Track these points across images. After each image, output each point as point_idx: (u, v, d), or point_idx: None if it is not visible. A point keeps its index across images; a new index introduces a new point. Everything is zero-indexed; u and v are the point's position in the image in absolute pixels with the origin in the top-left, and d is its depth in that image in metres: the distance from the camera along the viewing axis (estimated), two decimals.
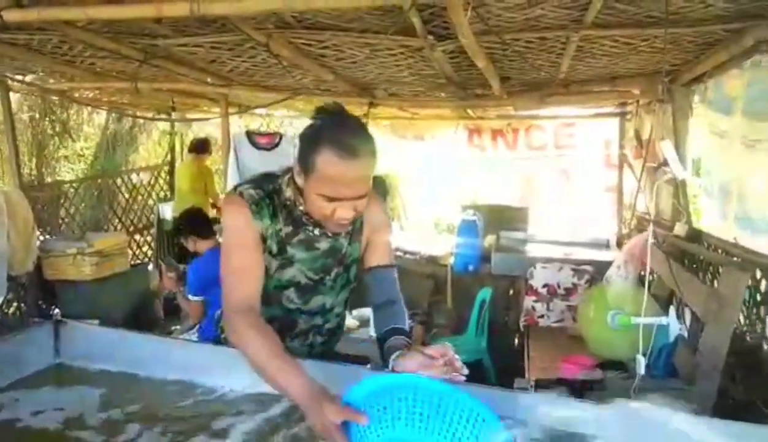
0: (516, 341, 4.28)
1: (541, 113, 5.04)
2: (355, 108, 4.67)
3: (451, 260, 4.51)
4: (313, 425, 1.06)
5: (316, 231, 1.43)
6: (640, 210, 3.68)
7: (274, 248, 1.41)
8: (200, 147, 5.54)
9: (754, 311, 2.32)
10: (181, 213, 3.51)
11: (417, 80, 3.47)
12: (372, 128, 5.34)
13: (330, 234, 1.44)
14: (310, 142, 1.27)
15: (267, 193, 1.41)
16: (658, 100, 3.19)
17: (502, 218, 4.98)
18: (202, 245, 3.25)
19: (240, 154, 4.13)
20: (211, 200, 5.47)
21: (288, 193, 1.41)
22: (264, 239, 1.40)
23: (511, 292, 4.38)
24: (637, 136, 3.68)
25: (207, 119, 5.18)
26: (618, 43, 2.46)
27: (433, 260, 4.65)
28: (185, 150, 6.09)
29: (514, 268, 4.29)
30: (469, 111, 4.81)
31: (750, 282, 2.30)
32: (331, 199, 1.27)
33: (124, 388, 1.44)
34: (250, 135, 4.18)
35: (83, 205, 5.68)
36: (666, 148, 2.46)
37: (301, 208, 1.40)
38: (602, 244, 4.62)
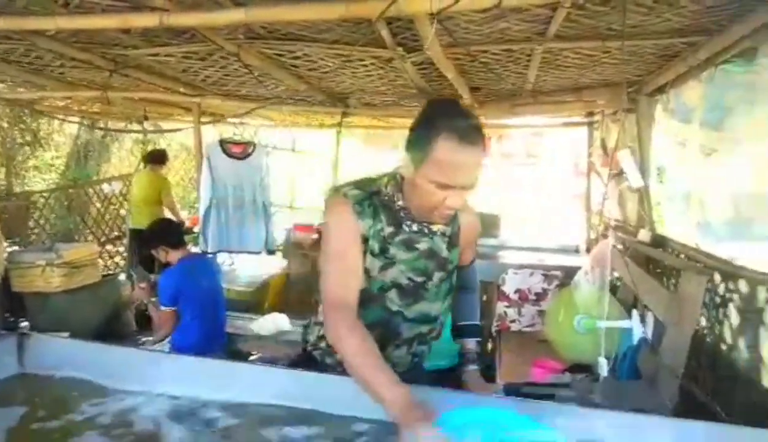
0: (490, 346, 4.33)
1: (512, 122, 5.13)
2: (328, 118, 4.72)
3: None
4: (404, 435, 1.06)
5: (415, 227, 1.43)
6: (608, 217, 3.77)
7: (377, 248, 1.42)
8: (156, 158, 5.53)
9: (714, 313, 2.40)
10: (151, 223, 3.48)
11: (390, 90, 3.52)
12: (346, 139, 5.37)
13: (427, 231, 1.45)
14: (427, 128, 1.28)
15: (369, 194, 1.43)
16: (623, 110, 3.29)
17: None
18: (173, 255, 3.23)
19: (213, 163, 4.12)
20: (166, 211, 5.40)
21: (388, 190, 1.43)
22: (366, 239, 1.40)
23: (485, 298, 4.43)
24: (603, 145, 3.78)
25: (179, 130, 5.15)
26: (581, 54, 2.53)
27: None
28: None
29: (487, 274, 4.33)
30: None
31: (709, 285, 2.39)
32: (445, 187, 1.27)
33: (87, 399, 1.43)
34: (223, 144, 4.17)
35: (53, 215, 5.58)
36: (623, 158, 2.54)
37: (400, 203, 1.42)
38: (572, 249, 4.71)
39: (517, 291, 4.06)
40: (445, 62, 2.43)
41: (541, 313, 3.86)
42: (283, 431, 1.27)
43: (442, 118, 1.27)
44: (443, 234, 1.49)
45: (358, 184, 1.47)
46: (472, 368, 1.70)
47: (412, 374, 1.52)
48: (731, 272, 2.18)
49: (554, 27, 2.11)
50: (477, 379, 1.70)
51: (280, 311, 3.86)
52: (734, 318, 2.22)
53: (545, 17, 2.06)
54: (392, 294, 1.47)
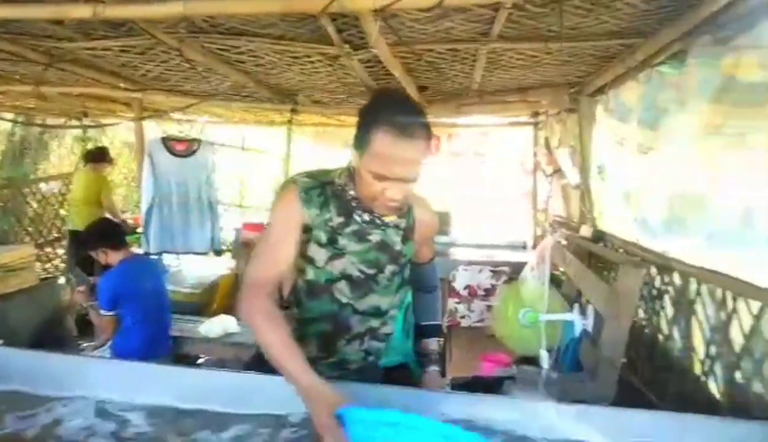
0: (441, 342, 4.38)
1: (461, 122, 5.20)
2: (277, 114, 4.66)
3: None
4: (314, 420, 1.10)
5: (366, 217, 1.42)
6: (552, 213, 3.87)
7: (323, 238, 1.41)
8: (96, 157, 5.32)
9: (651, 305, 2.51)
10: (90, 224, 3.34)
11: (338, 88, 3.50)
12: (297, 137, 5.31)
13: (379, 222, 1.43)
14: (367, 119, 1.28)
15: (321, 184, 1.43)
16: (565, 110, 3.38)
17: None
18: (113, 257, 3.11)
19: (155, 161, 3.98)
20: (106, 211, 5.20)
21: (341, 180, 1.42)
22: (310, 228, 1.41)
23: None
24: (547, 144, 3.88)
25: (116, 124, 4.96)
26: (524, 55, 2.59)
27: None
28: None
29: (438, 271, 4.38)
30: None
31: (647, 279, 2.49)
32: (383, 178, 1.27)
33: (19, 408, 1.36)
34: (165, 141, 4.04)
35: None
36: (562, 157, 2.61)
37: (351, 192, 1.40)
38: (519, 246, 4.82)
39: (467, 287, 4.13)
40: (391, 60, 2.43)
41: (490, 308, 3.94)
42: (221, 434, 1.24)
43: (382, 111, 1.27)
44: (397, 227, 1.48)
45: (312, 174, 1.47)
46: (433, 368, 1.68)
47: (367, 372, 1.52)
48: (666, 266, 2.27)
49: (497, 27, 2.15)
50: (436, 380, 1.68)
51: (229, 312, 3.77)
52: (669, 310, 2.32)
53: (488, 18, 2.09)
54: (341, 286, 1.45)
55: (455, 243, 4.95)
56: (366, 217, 1.42)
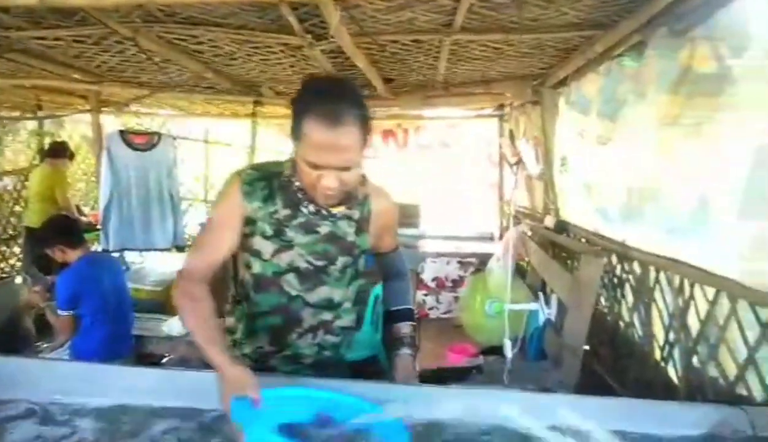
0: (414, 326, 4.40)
1: (428, 114, 5.20)
2: (240, 107, 4.58)
3: None
4: (222, 401, 1.13)
5: (312, 208, 1.40)
6: (516, 204, 3.91)
7: (268, 231, 1.40)
8: (54, 152, 5.14)
9: (613, 293, 2.55)
10: (46, 221, 3.22)
11: (302, 79, 3.44)
12: (263, 129, 5.23)
13: (326, 213, 1.41)
14: (297, 107, 1.26)
15: (266, 176, 1.42)
16: (529, 102, 3.41)
17: None
18: (71, 255, 3.00)
19: (113, 155, 3.86)
20: (62, 208, 5.04)
21: (288, 172, 1.40)
22: (254, 221, 1.40)
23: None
24: (511, 135, 3.91)
25: (71, 114, 4.79)
26: (488, 47, 2.59)
27: None
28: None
29: (406, 262, 4.39)
30: None
31: (607, 268, 2.53)
32: (316, 167, 1.25)
33: None
34: (124, 134, 3.92)
35: None
36: (522, 147, 2.63)
37: (297, 184, 1.38)
38: (487, 237, 4.87)
39: (435, 279, 4.16)
40: (354, 51, 2.40)
41: (457, 299, 3.98)
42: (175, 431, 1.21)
43: (311, 98, 1.24)
44: (350, 218, 1.45)
45: (259, 166, 1.47)
46: (405, 351, 1.55)
47: (327, 368, 1.49)
48: (626, 254, 2.32)
49: (459, 19, 2.15)
50: (407, 364, 1.53)
51: None
52: (630, 297, 2.37)
53: (450, 9, 2.09)
54: (290, 278, 1.44)
55: (424, 235, 4.97)
56: (312, 208, 1.40)
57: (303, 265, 1.43)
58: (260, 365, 1.47)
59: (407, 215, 5.19)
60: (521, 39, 2.33)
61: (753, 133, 1.46)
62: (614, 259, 2.50)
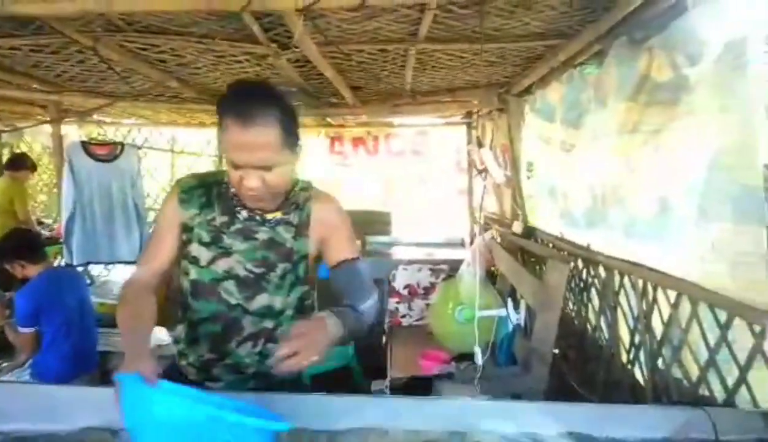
0: (383, 341, 4.38)
1: (398, 122, 5.23)
2: (206, 116, 4.52)
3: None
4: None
5: (245, 214, 1.42)
6: (487, 210, 3.95)
7: (205, 237, 1.42)
8: (14, 163, 5.02)
9: (579, 297, 2.59)
10: (5, 235, 3.12)
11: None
12: None
13: (260, 218, 1.42)
14: (219, 109, 1.29)
15: (204, 184, 1.46)
16: (495, 110, 3.45)
17: (367, 223, 5.07)
18: (31, 270, 2.91)
19: (75, 166, 3.76)
20: (22, 221, 4.89)
21: (226, 178, 1.42)
22: (191, 228, 1.43)
23: (377, 295, 4.46)
24: (479, 143, 3.95)
25: (29, 127, 4.66)
26: (453, 56, 2.62)
27: None
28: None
29: (378, 271, 4.38)
30: (329, 119, 4.85)
31: (573, 272, 2.57)
32: (236, 166, 1.29)
33: None
34: (86, 145, 3.82)
35: None
36: (485, 156, 2.67)
37: (233, 190, 1.40)
38: (457, 243, 4.89)
39: (407, 286, 4.15)
40: (320, 60, 2.40)
41: (429, 306, 3.97)
42: None
43: (229, 99, 1.28)
44: (288, 223, 1.45)
45: (199, 175, 1.52)
46: (328, 315, 1.28)
47: (272, 379, 1.44)
48: (591, 259, 2.35)
49: (424, 28, 2.16)
50: (319, 325, 1.25)
51: (160, 324, 3.61)
52: (596, 301, 2.40)
53: (415, 18, 2.10)
54: (228, 285, 1.44)
55: (395, 242, 4.97)
56: (245, 214, 1.42)
57: (242, 272, 1.43)
58: (204, 374, 1.47)
59: (378, 223, 5.20)
60: (485, 48, 2.35)
61: (709, 138, 1.50)
62: (580, 263, 2.54)
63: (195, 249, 1.43)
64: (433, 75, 3.03)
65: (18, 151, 5.71)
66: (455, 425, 1.26)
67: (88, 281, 4.15)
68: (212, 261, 1.42)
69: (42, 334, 2.90)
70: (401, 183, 5.81)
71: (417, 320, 4.05)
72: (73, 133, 5.07)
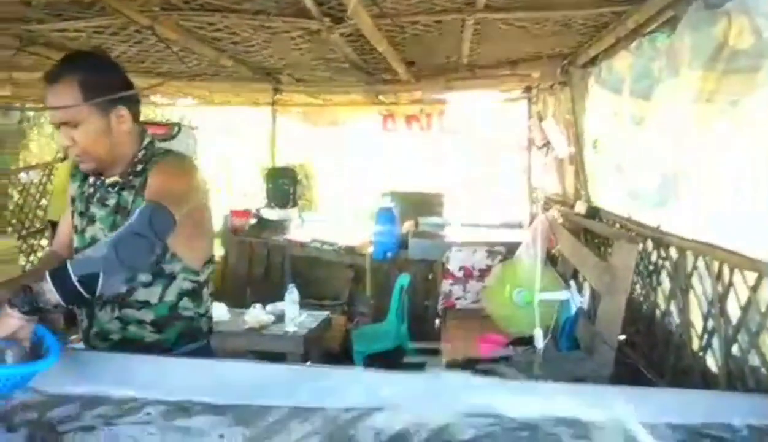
0: (437, 324, 4.35)
1: (453, 98, 5.09)
2: (260, 95, 4.54)
3: (370, 249, 4.49)
4: None
5: (91, 180, 1.52)
6: (546, 190, 3.81)
7: (80, 208, 1.53)
8: None
9: (648, 280, 2.46)
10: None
11: (321, 65, 3.39)
12: (283, 117, 5.16)
13: (100, 184, 1.50)
14: None
15: None
16: (558, 83, 3.30)
17: (419, 204, 5.03)
18: None
19: None
20: None
21: None
22: (74, 200, 1.54)
23: (430, 277, 4.42)
24: (540, 118, 3.80)
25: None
26: (513, 26, 2.50)
27: (352, 249, 4.61)
28: None
29: (430, 252, 4.33)
30: (382, 97, 4.79)
31: (641, 254, 2.44)
32: (55, 127, 1.42)
33: None
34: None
35: None
36: (549, 129, 2.54)
37: None
38: (515, 224, 4.76)
39: (462, 268, 4.08)
40: (374, 34, 2.34)
41: (485, 288, 3.89)
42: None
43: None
44: (132, 187, 1.46)
45: None
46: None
47: (138, 348, 1.44)
48: (661, 240, 2.22)
49: None
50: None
51: (217, 300, 3.70)
52: (666, 284, 2.27)
53: None
54: None
55: (448, 224, 4.89)
56: (91, 180, 1.51)
57: (101, 237, 1.46)
58: (90, 344, 1.51)
59: (431, 204, 5.12)
60: (548, 16, 2.23)
61: None
62: (649, 244, 2.41)
63: (76, 219, 1.53)
64: (492, 47, 2.92)
65: None
66: (518, 409, 1.20)
67: None
68: (84, 229, 1.51)
69: None
70: (456, 162, 5.69)
71: (473, 303, 3.98)
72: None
